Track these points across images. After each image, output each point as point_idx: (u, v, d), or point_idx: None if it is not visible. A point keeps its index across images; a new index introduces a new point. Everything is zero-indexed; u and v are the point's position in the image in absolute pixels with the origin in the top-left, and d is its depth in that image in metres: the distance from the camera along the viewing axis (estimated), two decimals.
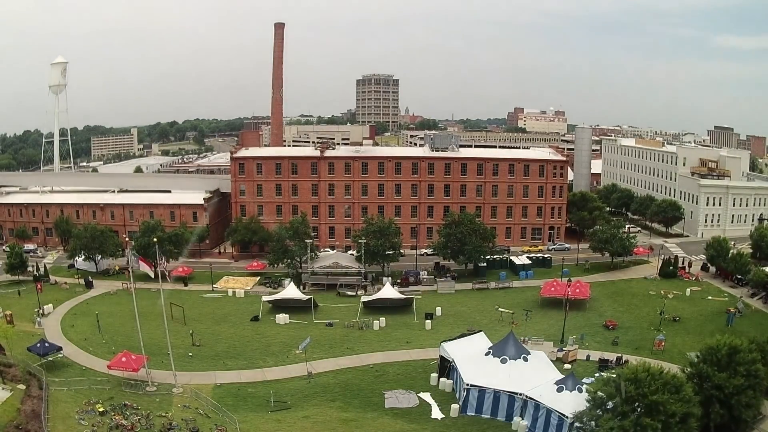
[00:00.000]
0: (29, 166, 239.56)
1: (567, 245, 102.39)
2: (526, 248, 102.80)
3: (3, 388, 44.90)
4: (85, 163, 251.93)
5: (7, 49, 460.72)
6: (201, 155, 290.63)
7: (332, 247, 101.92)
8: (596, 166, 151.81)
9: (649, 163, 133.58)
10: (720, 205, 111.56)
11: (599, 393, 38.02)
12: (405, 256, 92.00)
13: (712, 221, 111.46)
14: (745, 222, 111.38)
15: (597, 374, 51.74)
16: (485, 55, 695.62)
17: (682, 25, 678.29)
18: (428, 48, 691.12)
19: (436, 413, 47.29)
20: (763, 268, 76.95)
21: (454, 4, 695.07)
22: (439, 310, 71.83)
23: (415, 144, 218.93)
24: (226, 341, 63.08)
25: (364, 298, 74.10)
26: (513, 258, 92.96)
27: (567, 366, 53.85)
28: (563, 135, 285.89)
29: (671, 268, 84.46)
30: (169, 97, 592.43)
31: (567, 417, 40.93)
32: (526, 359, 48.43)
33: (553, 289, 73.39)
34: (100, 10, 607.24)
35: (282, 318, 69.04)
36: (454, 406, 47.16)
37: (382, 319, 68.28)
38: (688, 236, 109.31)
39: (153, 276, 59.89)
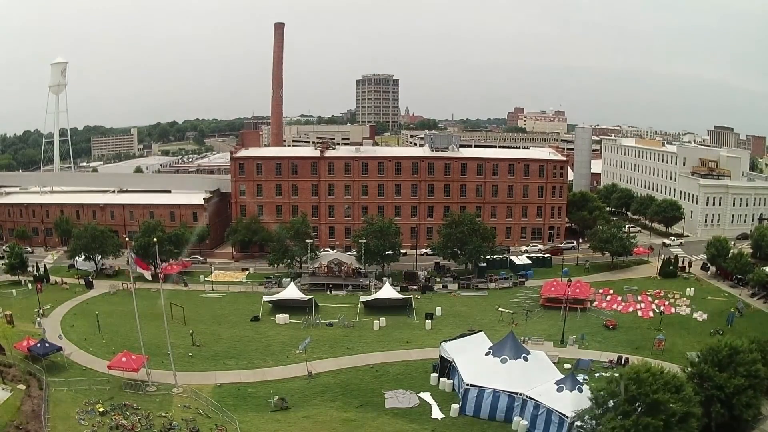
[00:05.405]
0: (29, 166, 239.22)
1: (573, 243, 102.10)
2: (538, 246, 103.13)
3: (3, 389, 44.96)
4: (85, 163, 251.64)
5: (7, 49, 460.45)
6: (201, 155, 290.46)
7: (332, 247, 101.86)
8: (596, 166, 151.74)
9: (649, 162, 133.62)
10: (720, 204, 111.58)
11: (601, 392, 38.07)
12: (405, 256, 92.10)
13: (712, 221, 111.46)
14: (745, 222, 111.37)
15: (597, 374, 51.96)
16: (485, 54, 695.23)
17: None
18: (428, 47, 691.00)
19: (436, 413, 47.32)
20: (764, 268, 76.97)
21: (454, 5, 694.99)
22: (439, 310, 71.85)
23: (415, 144, 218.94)
24: (226, 341, 63.05)
25: (363, 298, 74.23)
26: (513, 258, 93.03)
27: (567, 366, 53.87)
28: (563, 135, 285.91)
29: (671, 267, 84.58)
30: (169, 97, 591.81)
31: (567, 417, 40.97)
32: (526, 359, 48.45)
33: (553, 289, 73.48)
34: (100, 10, 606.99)
35: (282, 318, 69.06)
36: (454, 406, 47.19)
37: (382, 319, 68.28)
38: (688, 236, 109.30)
39: (150, 278, 60.33)
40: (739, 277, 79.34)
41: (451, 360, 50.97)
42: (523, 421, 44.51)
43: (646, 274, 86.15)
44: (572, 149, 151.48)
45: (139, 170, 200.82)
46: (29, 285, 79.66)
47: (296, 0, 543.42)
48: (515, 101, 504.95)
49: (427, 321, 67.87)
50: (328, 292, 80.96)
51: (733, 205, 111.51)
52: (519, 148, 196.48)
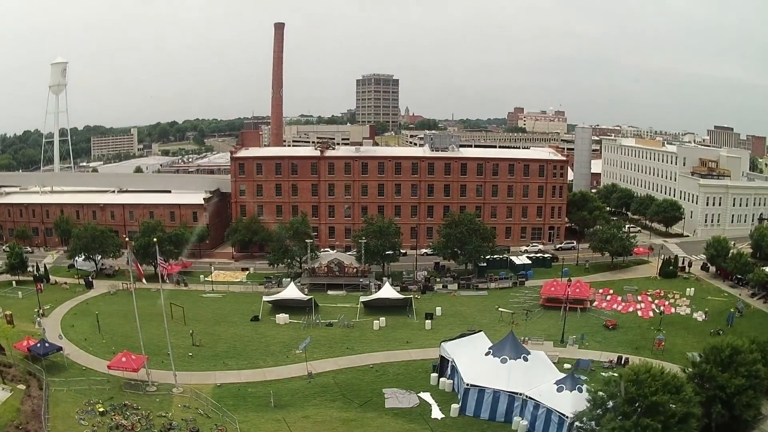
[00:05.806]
0: (29, 166, 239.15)
1: (573, 242, 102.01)
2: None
3: (3, 388, 44.92)
4: (85, 163, 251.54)
5: (7, 49, 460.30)
6: (201, 155, 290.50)
7: (332, 247, 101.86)
8: (596, 166, 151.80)
9: (649, 162, 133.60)
10: (720, 205, 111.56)
11: (600, 393, 38.05)
12: (405, 256, 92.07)
13: (711, 221, 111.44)
14: (745, 222, 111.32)
15: (597, 374, 51.92)
16: (486, 53, 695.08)
17: None
18: (428, 47, 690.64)
19: (436, 413, 47.34)
20: (763, 268, 76.96)
21: (455, 7, 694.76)
22: (439, 310, 71.84)
23: (415, 144, 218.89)
24: (226, 341, 63.07)
25: (363, 298, 74.21)
26: (513, 258, 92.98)
27: (567, 366, 53.86)
28: (563, 135, 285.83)
29: (671, 267, 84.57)
30: (169, 97, 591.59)
31: (567, 417, 40.95)
32: (526, 359, 48.42)
33: (553, 289, 73.44)
34: (100, 10, 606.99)
35: (282, 318, 69.06)
36: (454, 406, 47.20)
37: (382, 319, 68.28)
38: (688, 236, 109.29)
39: (145, 282, 60.32)
40: (739, 277, 79.34)
41: (451, 360, 50.97)
42: (523, 422, 44.53)
43: (646, 274, 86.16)
44: (572, 149, 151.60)
45: (139, 170, 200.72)
46: (21, 290, 79.79)
47: (297, 0, 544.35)
48: (515, 101, 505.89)
49: (427, 321, 67.87)
50: (328, 292, 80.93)
51: (733, 205, 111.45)
52: (519, 148, 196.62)
